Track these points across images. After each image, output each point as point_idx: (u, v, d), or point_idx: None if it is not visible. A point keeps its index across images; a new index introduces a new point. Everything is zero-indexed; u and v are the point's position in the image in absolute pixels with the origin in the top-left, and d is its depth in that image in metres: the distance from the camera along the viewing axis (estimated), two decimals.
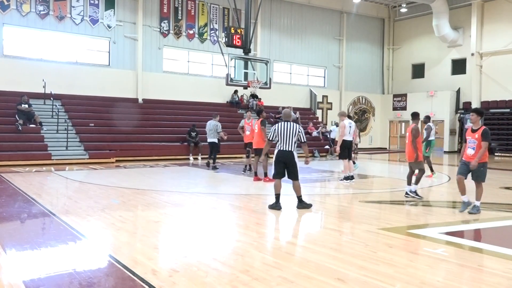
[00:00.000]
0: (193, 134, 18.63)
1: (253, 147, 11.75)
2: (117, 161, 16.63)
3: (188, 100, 22.53)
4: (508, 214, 7.72)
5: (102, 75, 20.70)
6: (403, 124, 29.86)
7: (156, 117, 20.58)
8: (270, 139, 7.81)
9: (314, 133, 22.77)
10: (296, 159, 7.65)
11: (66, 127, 16.85)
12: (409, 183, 9.00)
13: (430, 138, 12.95)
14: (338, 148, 11.64)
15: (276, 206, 7.60)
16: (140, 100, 21.54)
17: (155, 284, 3.95)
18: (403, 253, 5.04)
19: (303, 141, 7.74)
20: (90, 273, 4.28)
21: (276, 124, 7.75)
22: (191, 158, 18.19)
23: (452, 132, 27.03)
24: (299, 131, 7.60)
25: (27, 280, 4.08)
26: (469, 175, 7.35)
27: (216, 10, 24.01)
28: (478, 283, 4.16)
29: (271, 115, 22.81)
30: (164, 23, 22.41)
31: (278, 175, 7.67)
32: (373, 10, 30.02)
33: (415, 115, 9.32)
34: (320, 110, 27.78)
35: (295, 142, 7.59)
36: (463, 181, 7.32)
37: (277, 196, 7.64)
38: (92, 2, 20.45)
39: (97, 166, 15.02)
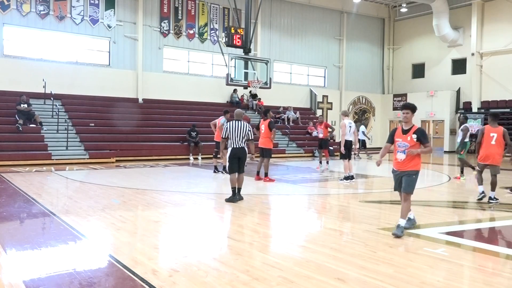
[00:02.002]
0: (193, 134, 18.63)
1: (260, 147, 11.65)
2: (117, 161, 16.63)
3: (188, 100, 22.54)
4: (508, 214, 7.71)
5: (102, 75, 20.71)
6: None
7: (156, 117, 20.58)
8: (224, 137, 8.44)
9: (314, 133, 22.74)
10: (247, 154, 8.49)
11: (66, 127, 16.85)
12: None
13: (465, 140, 12.64)
14: (342, 149, 11.59)
15: (233, 199, 8.21)
16: (140, 100, 21.55)
17: (155, 284, 3.96)
18: (403, 253, 5.04)
19: (250, 138, 8.54)
20: (90, 273, 4.28)
21: (228, 123, 8.48)
22: (191, 158, 18.20)
23: (452, 132, 27.01)
24: (248, 130, 8.37)
25: (27, 280, 4.08)
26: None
27: (216, 10, 24.01)
28: (478, 283, 4.16)
29: (272, 115, 22.81)
30: (164, 23, 22.41)
31: (233, 170, 8.34)
32: (373, 10, 30.02)
33: (496, 116, 8.70)
34: (320, 110, 27.77)
35: (245, 140, 8.34)
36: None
37: (233, 190, 8.28)
38: (92, 2, 20.45)
39: (97, 166, 15.02)
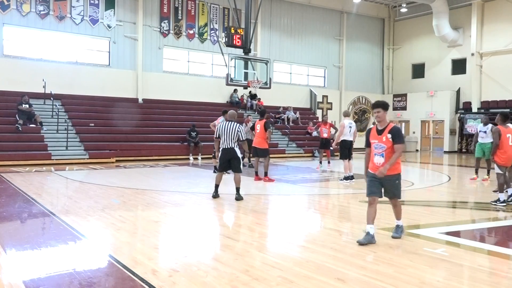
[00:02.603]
0: (193, 134, 18.63)
1: (254, 147, 11.71)
2: (117, 161, 16.64)
3: (188, 100, 22.54)
4: (507, 214, 7.71)
5: (102, 75, 20.71)
6: (403, 124, 29.86)
7: (156, 117, 20.58)
8: (216, 137, 8.63)
9: (314, 133, 22.75)
10: (239, 154, 8.49)
11: (66, 127, 16.86)
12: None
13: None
14: (334, 144, 11.78)
15: (215, 195, 8.55)
16: (140, 100, 21.55)
17: (155, 284, 3.95)
18: (403, 253, 5.03)
19: (241, 139, 8.51)
20: (90, 273, 4.28)
21: (220, 124, 8.66)
22: (191, 158, 18.20)
23: (452, 132, 27.02)
24: (238, 131, 8.41)
25: (27, 280, 4.08)
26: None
27: (216, 10, 24.02)
28: (478, 283, 4.16)
29: (271, 115, 22.84)
30: (164, 23, 22.42)
31: (220, 169, 8.66)
32: (373, 10, 30.02)
33: (507, 116, 8.39)
34: (320, 110, 27.77)
35: (235, 140, 8.41)
36: (375, 204, 5.52)
37: (216, 187, 8.61)
38: (92, 2, 20.45)
39: (97, 166, 15.02)
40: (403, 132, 29.70)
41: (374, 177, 5.46)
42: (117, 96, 20.75)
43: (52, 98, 18.11)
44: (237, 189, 8.51)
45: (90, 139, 17.31)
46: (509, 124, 8.37)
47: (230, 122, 8.50)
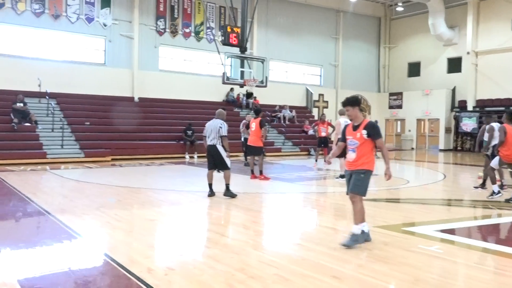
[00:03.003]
0: (189, 132, 18.61)
1: (249, 145, 11.71)
2: (112, 159, 16.59)
3: (184, 98, 22.51)
4: (501, 211, 7.76)
5: (98, 74, 20.65)
6: (399, 122, 29.94)
7: (152, 115, 20.54)
8: (204, 135, 8.68)
9: (310, 132, 22.77)
10: (222, 151, 8.44)
11: (61, 125, 16.79)
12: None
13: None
14: (334, 147, 11.63)
15: (210, 194, 8.54)
16: (136, 99, 21.50)
17: (150, 282, 3.95)
18: (398, 251, 5.06)
19: (222, 134, 8.42)
20: (86, 271, 4.28)
21: (208, 122, 8.72)
22: (187, 156, 18.18)
23: (447, 130, 27.12)
24: (220, 126, 8.42)
25: (22, 279, 4.07)
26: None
27: (213, 8, 23.99)
28: (472, 280, 4.19)
29: (267, 113, 22.85)
30: (160, 21, 22.36)
31: (208, 167, 8.63)
32: (370, 9, 30.06)
33: None
34: (316, 109, 27.80)
35: (219, 137, 8.40)
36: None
37: (209, 185, 8.59)
38: (88, 0, 20.36)
39: (92, 165, 14.98)
40: (399, 130, 29.79)
41: (350, 174, 5.37)
42: (113, 95, 20.70)
43: (47, 97, 18.02)
44: (226, 186, 8.51)
45: (86, 137, 17.26)
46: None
47: (214, 119, 8.58)
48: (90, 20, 20.47)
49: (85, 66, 20.45)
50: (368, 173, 5.29)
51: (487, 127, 9.95)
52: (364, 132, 5.19)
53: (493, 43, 25.12)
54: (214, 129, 8.44)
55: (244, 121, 15.20)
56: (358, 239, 5.16)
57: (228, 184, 8.53)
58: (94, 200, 8.21)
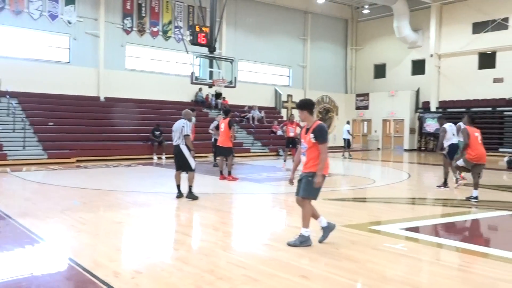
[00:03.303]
0: (157, 133, 18.37)
1: (219, 146, 11.67)
2: (77, 161, 16.18)
3: (151, 98, 22.19)
4: (463, 209, 8.03)
5: (62, 73, 20.08)
6: (365, 123, 30.52)
7: (119, 115, 20.13)
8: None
9: (279, 132, 22.90)
10: (185, 152, 8.33)
11: (23, 126, 16.24)
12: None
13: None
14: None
15: (179, 195, 8.45)
16: (102, 99, 21.04)
17: (117, 286, 3.87)
18: (365, 249, 5.15)
19: (185, 133, 8.34)
20: (49, 277, 4.15)
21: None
22: (155, 157, 17.93)
23: (411, 130, 27.86)
24: (182, 126, 8.35)
25: None
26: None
27: (181, 7, 23.76)
28: (435, 276, 4.31)
29: (236, 114, 22.83)
30: (127, 20, 21.97)
31: (176, 168, 8.56)
32: (337, 11, 30.52)
33: (473, 119, 8.99)
34: (285, 109, 28.00)
35: (182, 137, 8.32)
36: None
37: (177, 187, 8.49)
38: None
39: (56, 167, 14.56)
40: (365, 130, 30.33)
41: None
42: (77, 94, 20.19)
43: (8, 96, 17.40)
44: (189, 188, 8.39)
45: (49, 138, 16.75)
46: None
47: (180, 120, 8.52)
48: (53, 17, 19.88)
49: (48, 64, 19.85)
50: (321, 177, 5.21)
51: (440, 128, 10.53)
52: (312, 135, 5.14)
53: (455, 46, 26.00)
54: (178, 129, 8.38)
55: (214, 121, 15.14)
56: (306, 241, 5.18)
57: (191, 186, 8.41)
58: (58, 203, 7.97)
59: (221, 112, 23.07)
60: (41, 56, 19.83)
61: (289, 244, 5.17)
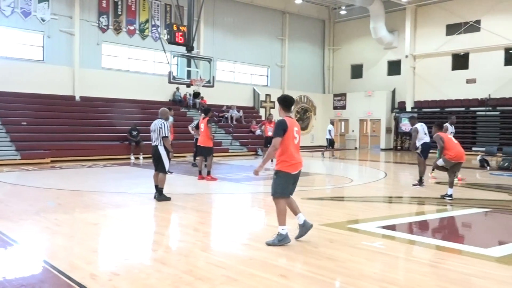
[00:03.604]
0: (134, 133, 18.14)
1: (199, 145, 11.59)
2: (52, 161, 15.84)
3: (128, 98, 21.91)
4: (438, 207, 8.20)
5: (35, 71, 19.62)
6: (342, 122, 30.84)
7: (95, 115, 19.84)
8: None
9: (258, 132, 22.94)
10: (163, 154, 8.22)
11: None
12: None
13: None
14: None
15: (156, 195, 8.35)
16: (77, 98, 20.66)
17: None
18: (343, 248, 5.20)
19: (163, 135, 8.23)
20: (22, 280, 4.04)
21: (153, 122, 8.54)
22: (132, 158, 17.70)
23: (388, 130, 28.30)
24: (160, 127, 8.23)
25: None
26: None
27: (158, 6, 23.53)
28: (412, 273, 4.39)
29: (214, 113, 22.74)
30: (103, 18, 21.63)
31: (154, 168, 8.45)
32: (314, 11, 30.74)
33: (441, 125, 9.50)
34: (263, 109, 28.05)
35: (161, 138, 8.21)
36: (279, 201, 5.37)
37: (156, 187, 8.37)
38: None
39: (30, 167, 14.22)
40: (343, 130, 30.62)
41: None
42: (52, 93, 19.78)
43: None
44: (160, 189, 8.27)
45: (22, 138, 16.36)
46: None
47: (158, 119, 8.40)
48: (26, 14, 19.40)
49: (21, 62, 19.37)
50: (278, 173, 5.24)
51: (412, 128, 10.79)
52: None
53: (429, 47, 26.54)
54: (156, 129, 8.25)
55: (194, 121, 15.04)
56: (285, 239, 5.18)
57: (162, 188, 8.30)
58: (32, 204, 7.79)
59: (200, 111, 23.00)
60: (14, 54, 19.33)
61: (268, 244, 5.18)
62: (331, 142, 20.49)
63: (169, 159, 8.39)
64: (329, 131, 20.45)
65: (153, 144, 8.32)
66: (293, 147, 5.20)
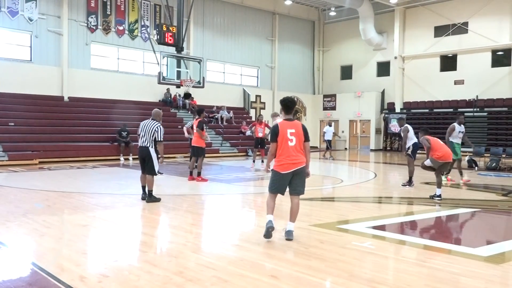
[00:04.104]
0: (124, 134, 18.03)
1: (192, 145, 11.52)
2: (40, 162, 15.68)
3: (118, 98, 21.75)
4: (427, 207, 8.27)
5: (23, 71, 19.39)
6: (332, 123, 30.88)
7: (84, 116, 19.67)
8: (139, 134, 8.43)
9: (248, 133, 22.94)
10: (153, 155, 8.08)
11: None
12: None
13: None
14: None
15: (144, 197, 8.29)
16: (66, 98, 20.47)
17: None
18: (333, 248, 5.22)
19: (158, 139, 8.10)
20: (10, 283, 3.99)
21: (143, 121, 8.41)
22: (121, 158, 17.58)
23: (377, 131, 28.48)
24: (155, 130, 8.06)
25: None
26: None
27: (147, 6, 23.42)
28: (401, 273, 4.42)
29: (205, 114, 22.68)
30: (92, 18, 21.46)
31: (141, 170, 8.35)
32: (304, 13, 30.84)
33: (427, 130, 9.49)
34: (254, 110, 28.05)
35: (153, 139, 8.07)
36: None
37: (143, 188, 8.35)
38: None
39: (17, 169, 14.06)
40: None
41: None
42: (40, 93, 19.57)
43: None
44: (149, 192, 8.18)
45: (10, 139, 16.17)
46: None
47: (150, 120, 8.20)
48: (13, 13, 19.18)
49: (8, 62, 19.13)
50: (272, 171, 5.67)
51: (402, 128, 10.84)
52: None
53: (418, 48, 26.77)
54: (149, 130, 8.04)
55: (190, 122, 15.00)
56: (265, 230, 5.48)
57: (151, 190, 8.21)
58: (19, 206, 7.69)
59: (190, 112, 22.93)
60: (1, 54, 19.09)
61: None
62: (329, 143, 20.49)
63: (159, 162, 8.27)
64: (324, 133, 20.40)
65: (142, 145, 8.13)
66: (286, 149, 5.45)
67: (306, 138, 5.61)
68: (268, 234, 5.40)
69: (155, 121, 8.19)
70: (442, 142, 9.06)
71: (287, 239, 5.43)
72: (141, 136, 8.19)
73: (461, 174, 11.69)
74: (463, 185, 11.26)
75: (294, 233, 5.54)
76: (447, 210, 8.02)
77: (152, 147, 8.07)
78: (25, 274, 4.36)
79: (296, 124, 5.59)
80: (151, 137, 8.04)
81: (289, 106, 5.64)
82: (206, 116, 22.65)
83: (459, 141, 11.74)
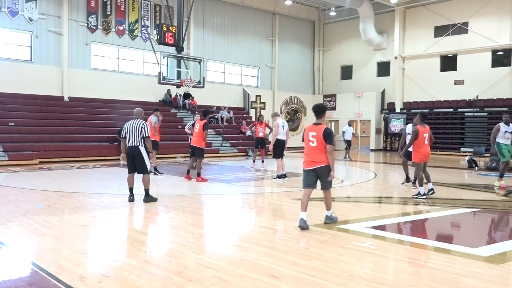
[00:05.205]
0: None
1: (192, 145, 11.53)
2: (40, 162, 15.68)
3: (118, 98, 21.75)
4: (428, 207, 8.26)
5: (23, 71, 19.40)
6: (333, 123, 30.97)
7: (84, 116, 19.67)
8: (123, 136, 8.29)
9: (248, 132, 22.94)
10: (144, 154, 8.11)
11: None
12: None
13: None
14: (271, 147, 11.85)
15: (131, 198, 8.23)
16: (66, 98, 20.47)
17: None
18: (334, 248, 5.22)
19: (145, 135, 8.14)
20: (10, 283, 3.99)
21: (127, 122, 8.35)
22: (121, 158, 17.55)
23: (377, 131, 28.47)
24: (142, 127, 8.13)
25: None
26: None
27: (148, 6, 23.42)
28: (401, 273, 4.42)
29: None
30: (92, 18, 21.46)
31: (129, 170, 8.27)
32: (304, 13, 30.84)
33: (425, 116, 9.31)
34: (254, 110, 28.05)
35: (141, 138, 8.09)
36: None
37: (130, 190, 8.29)
38: None
39: (18, 169, 14.06)
40: (332, 131, 30.77)
41: None
42: (40, 93, 19.57)
43: None
44: (146, 191, 8.20)
45: (10, 139, 16.17)
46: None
47: (135, 120, 8.23)
48: (13, 13, 19.18)
49: (8, 62, 19.13)
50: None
51: (400, 128, 10.84)
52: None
53: (418, 48, 26.77)
54: (136, 130, 8.06)
55: (191, 121, 15.01)
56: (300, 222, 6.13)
57: (148, 189, 8.24)
58: (19, 206, 7.70)
59: (190, 112, 22.92)
60: (1, 54, 19.09)
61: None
62: (348, 143, 19.92)
63: (149, 159, 8.28)
64: (344, 132, 19.80)
65: (132, 144, 8.10)
66: (308, 149, 6.30)
67: (328, 141, 6.10)
68: (302, 227, 6.04)
69: (139, 119, 8.26)
70: (426, 142, 8.96)
71: (324, 222, 6.41)
72: (127, 137, 8.15)
73: (501, 176, 10.74)
74: (500, 188, 10.48)
75: (295, 232, 5.63)
76: (447, 210, 8.02)
77: (142, 145, 8.10)
78: (25, 274, 4.36)
79: (319, 128, 6.20)
80: (139, 136, 8.07)
81: (317, 111, 6.33)
82: (210, 117, 22.64)
83: (508, 142, 10.62)
